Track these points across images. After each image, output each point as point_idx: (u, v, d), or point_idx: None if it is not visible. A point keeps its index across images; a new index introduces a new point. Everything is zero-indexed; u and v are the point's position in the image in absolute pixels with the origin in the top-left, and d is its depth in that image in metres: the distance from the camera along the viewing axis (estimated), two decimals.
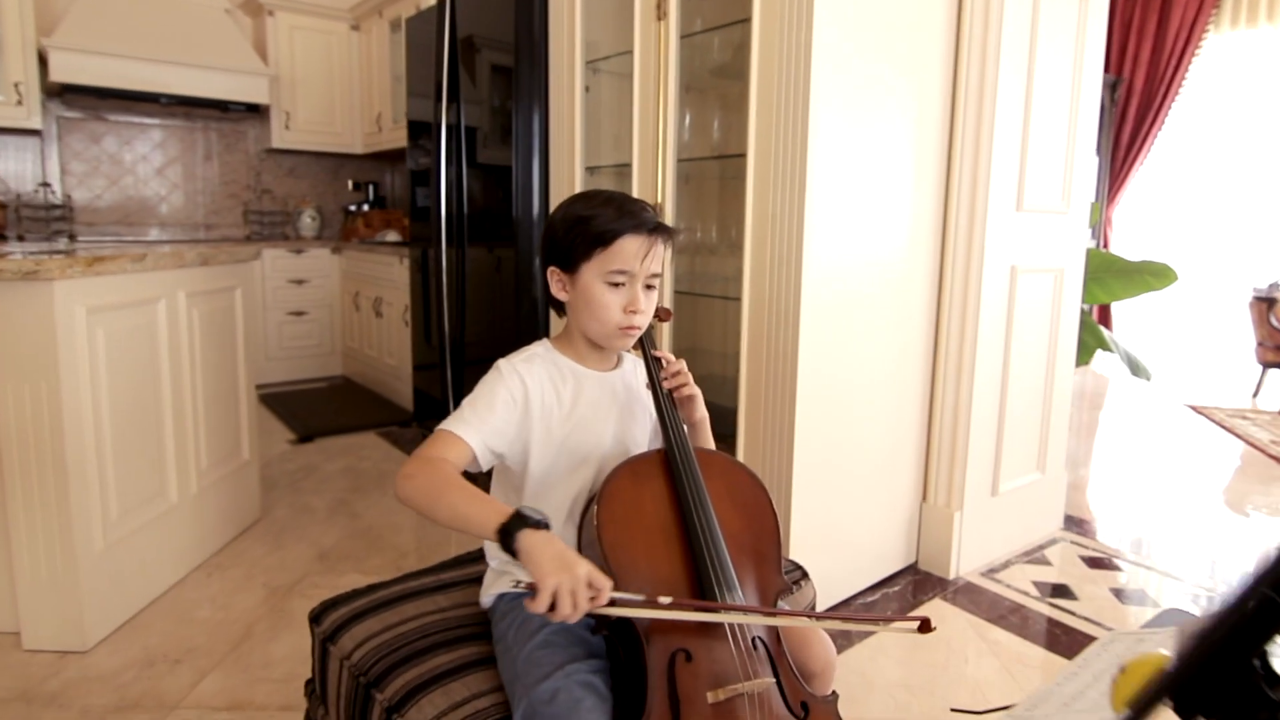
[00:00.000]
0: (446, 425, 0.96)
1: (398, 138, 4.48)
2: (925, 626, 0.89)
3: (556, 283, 1.05)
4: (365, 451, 3.25)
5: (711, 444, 1.18)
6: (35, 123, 3.83)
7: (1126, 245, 5.49)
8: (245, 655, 1.71)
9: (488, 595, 1.07)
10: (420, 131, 3.24)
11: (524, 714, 0.87)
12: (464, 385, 3.08)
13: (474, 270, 2.96)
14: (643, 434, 1.14)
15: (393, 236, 4.56)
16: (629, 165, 2.20)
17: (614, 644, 0.96)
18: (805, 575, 1.23)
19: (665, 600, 0.85)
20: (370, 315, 4.30)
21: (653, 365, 1.07)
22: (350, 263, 4.55)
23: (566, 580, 0.78)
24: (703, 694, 0.87)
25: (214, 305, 2.13)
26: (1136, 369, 2.87)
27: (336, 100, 4.78)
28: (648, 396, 1.15)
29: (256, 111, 4.60)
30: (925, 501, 2.22)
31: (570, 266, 1.02)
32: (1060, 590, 2.13)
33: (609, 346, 1.08)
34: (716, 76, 2.38)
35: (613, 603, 0.82)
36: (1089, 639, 1.88)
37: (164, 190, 4.58)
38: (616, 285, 1.01)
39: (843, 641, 1.76)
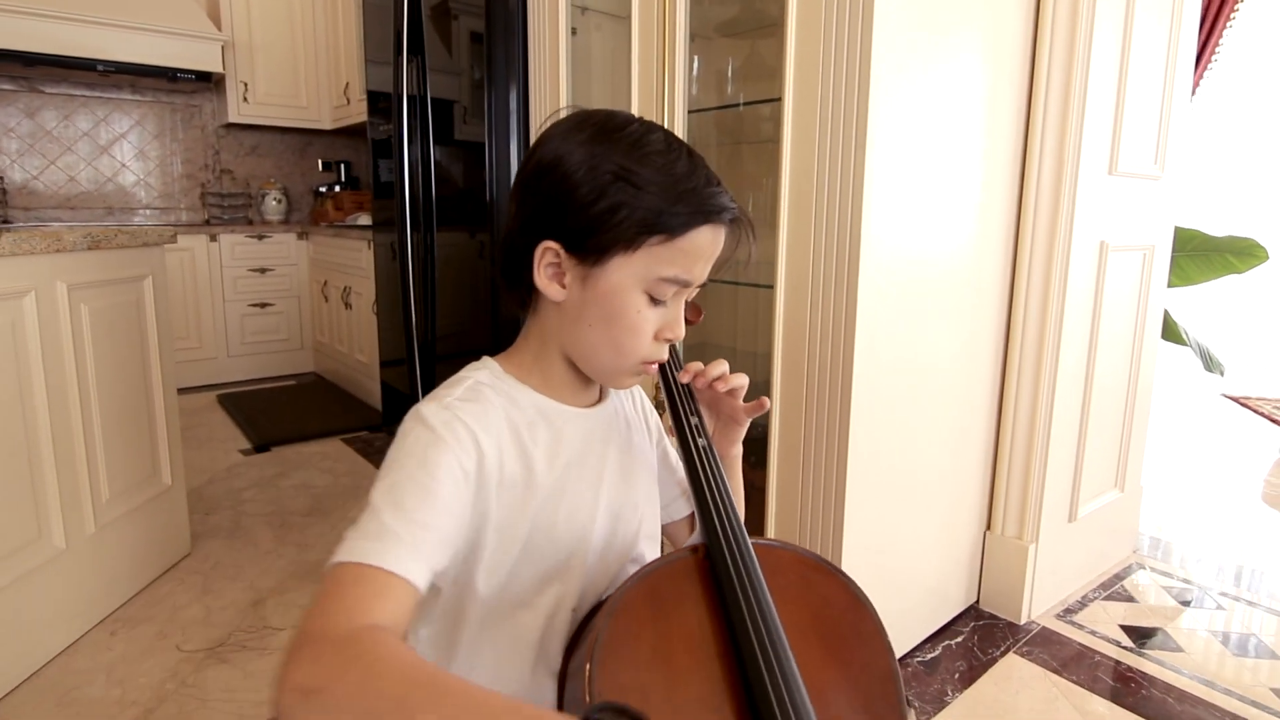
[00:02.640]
0: (357, 553, 0.51)
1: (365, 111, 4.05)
2: None
3: (549, 269, 0.63)
4: (328, 463, 2.84)
5: (740, 491, 0.79)
6: None
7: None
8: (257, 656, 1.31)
9: None
10: (380, 101, 2.82)
11: None
12: (434, 384, 2.68)
13: (444, 256, 2.55)
14: (648, 493, 0.74)
15: (364, 220, 4.12)
16: None
17: None
18: (912, 704, 0.84)
19: None
20: (340, 306, 3.88)
21: (682, 399, 0.67)
22: (319, 249, 4.13)
23: None
24: None
25: (112, 299, 1.71)
26: (1210, 364, 2.48)
27: (301, 70, 4.33)
28: (651, 430, 0.75)
29: (209, 81, 4.15)
30: (990, 530, 1.83)
31: (591, 251, 0.61)
32: (1153, 636, 1.75)
33: (607, 383, 0.68)
34: (726, 28, 1.97)
35: None
36: (1211, 707, 1.50)
37: (110, 171, 4.14)
38: (657, 302, 0.61)
39: (912, 705, 1.37)
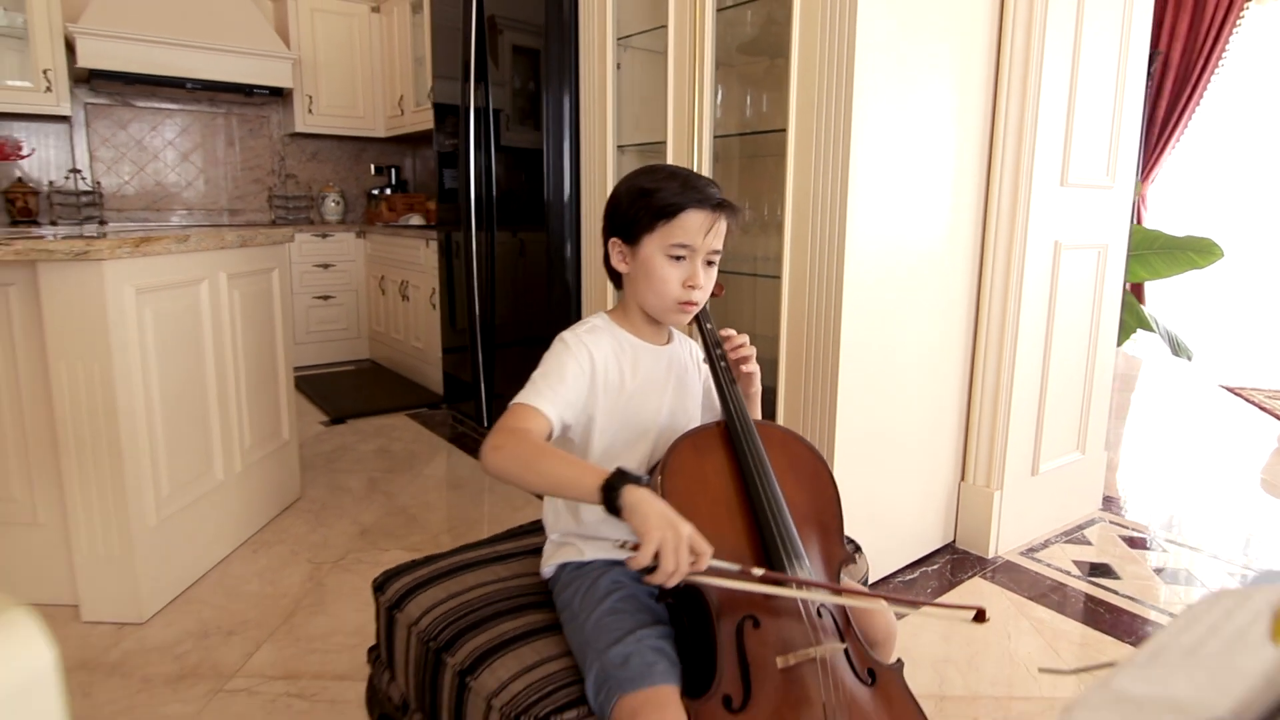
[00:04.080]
0: (523, 399, 0.96)
1: (419, 120, 4.49)
2: (980, 617, 0.90)
3: (617, 254, 1.04)
4: (396, 433, 3.28)
5: (758, 413, 1.18)
6: (65, 109, 3.87)
7: (1162, 222, 5.39)
8: (296, 628, 1.74)
9: (549, 566, 1.08)
10: (446, 114, 3.23)
11: (596, 678, 0.87)
12: (494, 369, 3.10)
13: (503, 254, 2.96)
14: (695, 408, 1.14)
15: (416, 220, 4.57)
16: (662, 143, 2.18)
17: (678, 612, 0.97)
18: (859, 549, 1.23)
19: (758, 573, 0.86)
20: (396, 299, 4.32)
21: (711, 341, 1.07)
22: (375, 247, 4.57)
23: (671, 537, 0.79)
24: (772, 659, 0.87)
25: (253, 287, 2.15)
26: (1178, 349, 2.83)
27: (359, 83, 4.78)
28: (700, 372, 1.15)
29: (280, 96, 4.61)
30: (964, 481, 2.21)
31: (632, 238, 1.01)
32: (1101, 569, 2.12)
33: (665, 321, 1.08)
34: (746, 53, 2.35)
35: (709, 570, 0.83)
36: (1133, 617, 1.87)
37: (189, 176, 4.62)
38: (677, 259, 1.00)
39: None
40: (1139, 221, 5.38)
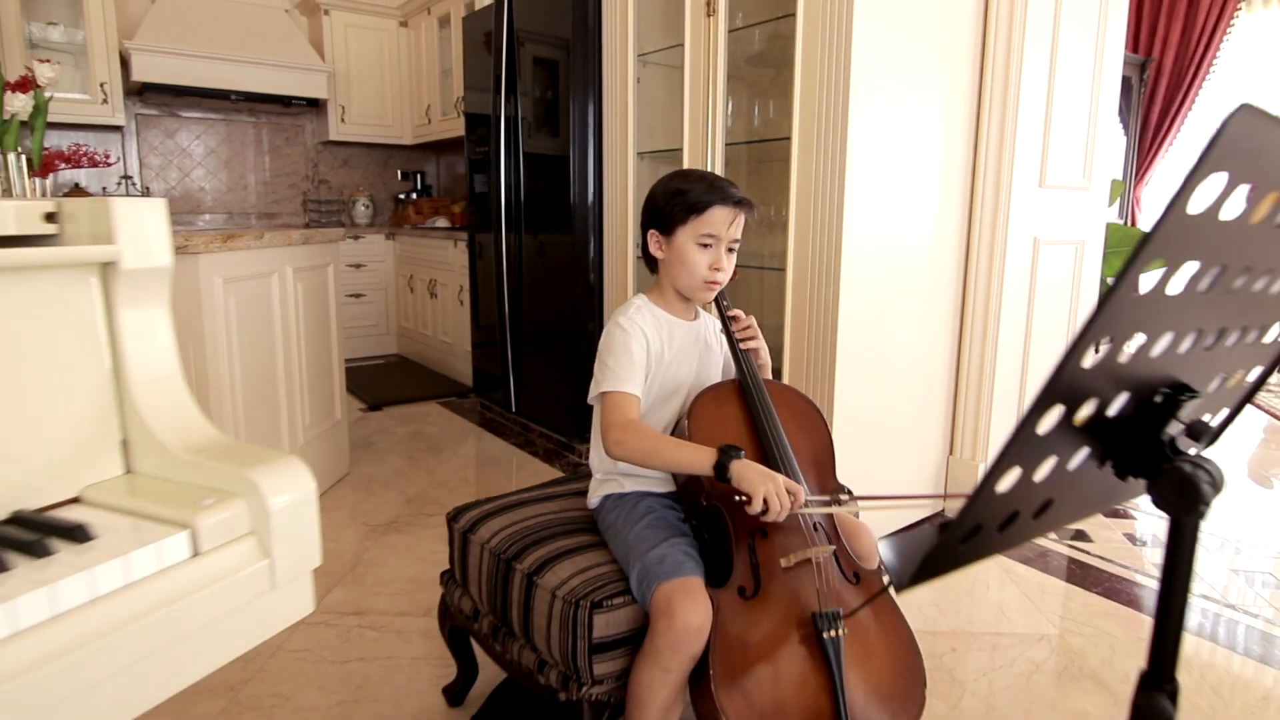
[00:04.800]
0: (613, 386, 1.20)
1: (445, 129, 4.75)
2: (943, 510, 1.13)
3: (654, 243, 1.28)
4: (430, 419, 3.53)
5: (768, 375, 1.41)
6: (119, 119, 4.15)
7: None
8: (361, 576, 1.99)
9: (595, 497, 1.32)
10: (477, 123, 3.48)
11: (639, 574, 1.11)
12: (522, 361, 3.34)
13: (530, 254, 3.21)
14: (717, 372, 1.38)
15: (442, 222, 4.83)
16: (679, 150, 2.42)
17: (700, 530, 1.21)
18: (850, 491, 1.46)
19: (845, 497, 1.12)
20: (425, 297, 4.58)
21: (727, 318, 1.31)
22: (404, 248, 4.83)
23: (773, 487, 1.04)
24: (777, 560, 1.11)
25: (313, 280, 2.41)
26: None
27: (387, 94, 5.05)
28: (721, 343, 1.39)
29: (315, 106, 4.89)
30: (952, 455, 2.43)
31: (667, 230, 1.25)
32: (1078, 534, 2.34)
33: (694, 298, 1.32)
34: (754, 65, 2.59)
35: (806, 504, 1.08)
36: (1104, 574, 2.09)
37: (230, 182, 4.89)
38: (705, 246, 1.24)
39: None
40: (1134, 222, 5.58)
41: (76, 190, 4.25)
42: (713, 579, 1.11)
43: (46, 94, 2.27)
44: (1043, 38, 2.21)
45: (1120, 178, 5.37)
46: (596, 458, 1.35)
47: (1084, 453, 0.57)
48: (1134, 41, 5.53)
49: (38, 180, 2.34)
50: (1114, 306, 0.43)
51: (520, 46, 3.10)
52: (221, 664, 0.61)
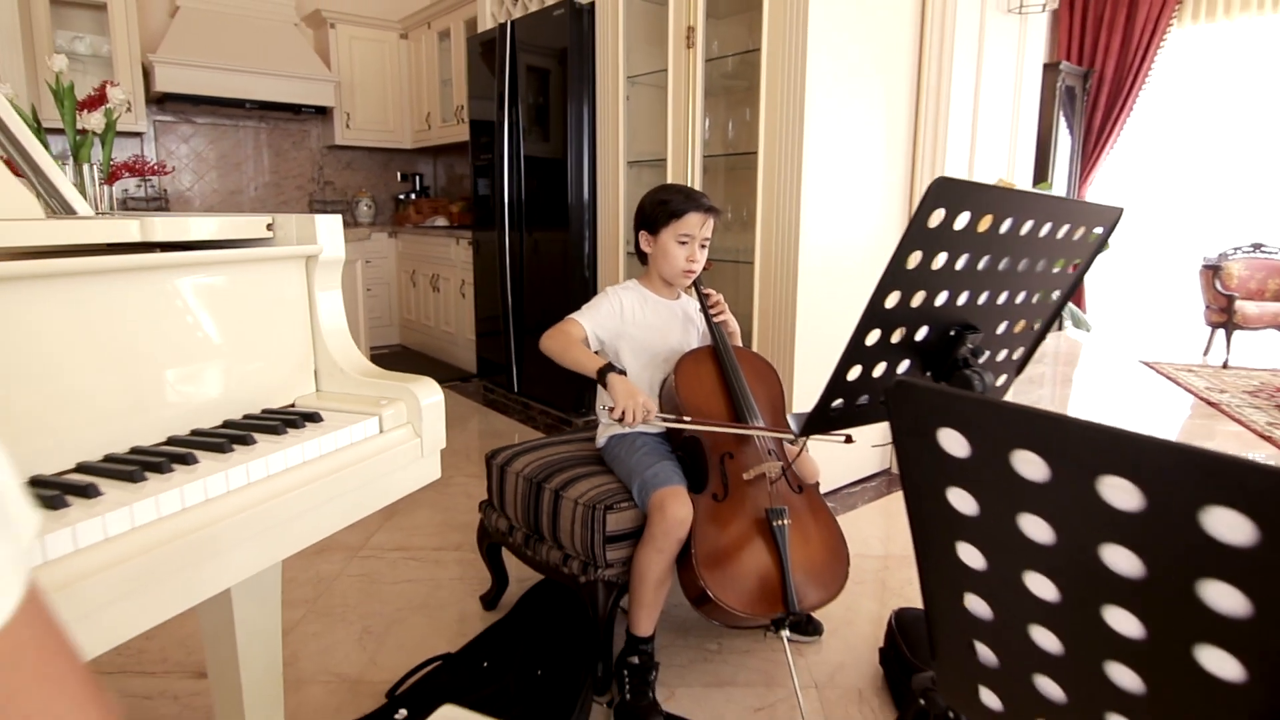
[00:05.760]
0: (575, 316, 1.62)
1: (445, 135, 5.11)
2: (849, 439, 1.53)
3: (644, 241, 1.68)
4: None
5: (739, 343, 1.82)
6: (142, 126, 4.47)
7: None
8: (398, 522, 2.37)
9: (603, 438, 1.71)
10: (481, 130, 3.85)
11: (639, 486, 1.51)
12: (525, 349, 3.71)
13: (530, 251, 3.59)
14: (695, 341, 1.78)
15: (441, 222, 5.19)
16: (663, 160, 2.82)
17: (683, 457, 1.61)
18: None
19: (688, 419, 1.51)
20: (427, 290, 4.94)
21: (703, 298, 1.71)
22: (407, 245, 5.19)
23: (631, 404, 1.45)
24: (740, 474, 1.51)
25: (348, 271, 2.77)
26: (1079, 322, 3.48)
27: (389, 101, 5.40)
28: (699, 319, 1.79)
29: (322, 113, 5.22)
30: None
31: (654, 230, 1.65)
32: None
33: (675, 283, 1.72)
34: (729, 88, 2.99)
35: (661, 420, 1.48)
36: None
37: (241, 183, 5.22)
38: (683, 243, 1.64)
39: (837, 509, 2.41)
40: None
41: None
42: (693, 487, 1.51)
43: (115, 113, 2.62)
44: (968, 63, 2.63)
45: (1065, 178, 5.83)
46: (602, 408, 1.74)
47: (907, 363, 0.98)
48: (1078, 54, 6.00)
49: (105, 188, 2.68)
50: (890, 274, 0.83)
51: (521, 65, 3.48)
52: (393, 500, 0.99)
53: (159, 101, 4.70)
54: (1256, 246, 5.15)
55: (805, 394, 2.47)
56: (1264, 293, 5.01)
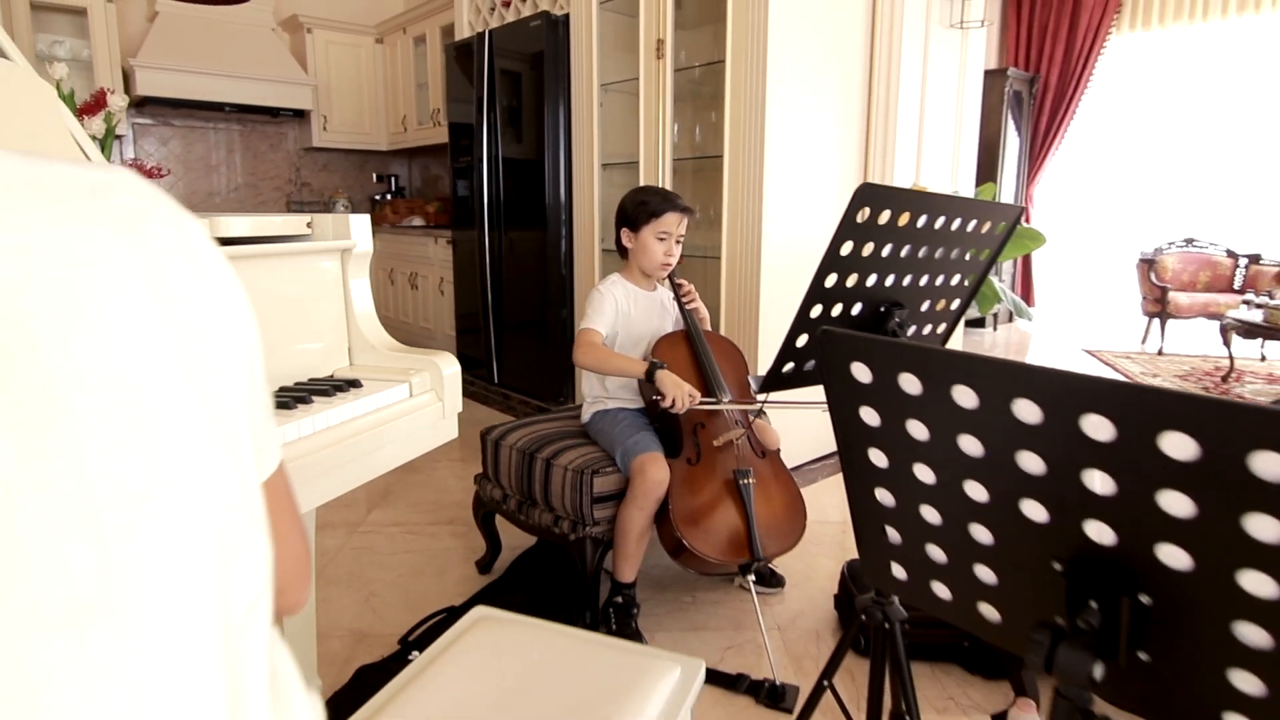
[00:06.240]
0: (588, 324, 1.80)
1: (420, 137, 5.25)
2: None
3: (625, 238, 1.88)
4: None
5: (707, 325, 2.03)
6: (123, 130, 4.54)
7: (1045, 219, 6.42)
8: (393, 501, 2.54)
9: (587, 414, 1.91)
10: (460, 133, 4.01)
11: (621, 453, 1.71)
12: (504, 345, 3.89)
13: (509, 250, 3.76)
14: (670, 326, 1.98)
15: (417, 221, 5.32)
16: (636, 162, 3.02)
17: (659, 428, 1.81)
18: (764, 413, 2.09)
19: (727, 399, 1.72)
20: (406, 288, 5.08)
21: (676, 287, 1.91)
22: (384, 244, 5.31)
23: (679, 392, 1.64)
24: (711, 441, 1.72)
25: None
26: (1020, 312, 3.76)
27: (365, 104, 5.52)
28: (673, 306, 1.99)
29: (299, 116, 5.33)
30: None
31: (634, 228, 1.85)
32: None
33: (653, 275, 1.92)
34: (696, 88, 3.20)
35: (701, 403, 1.68)
36: None
37: (219, 185, 5.30)
38: (661, 239, 1.84)
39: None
40: (1027, 219, 6.40)
41: None
42: (669, 453, 1.72)
43: (115, 118, 2.74)
44: (914, 73, 2.87)
45: (1014, 177, 6.17)
46: (587, 386, 1.94)
47: None
48: (1025, 61, 6.35)
49: None
50: (828, 259, 1.04)
51: (499, 71, 3.65)
52: (424, 452, 1.18)
53: (138, 105, 4.77)
54: (1189, 241, 5.52)
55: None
56: (1195, 284, 5.38)
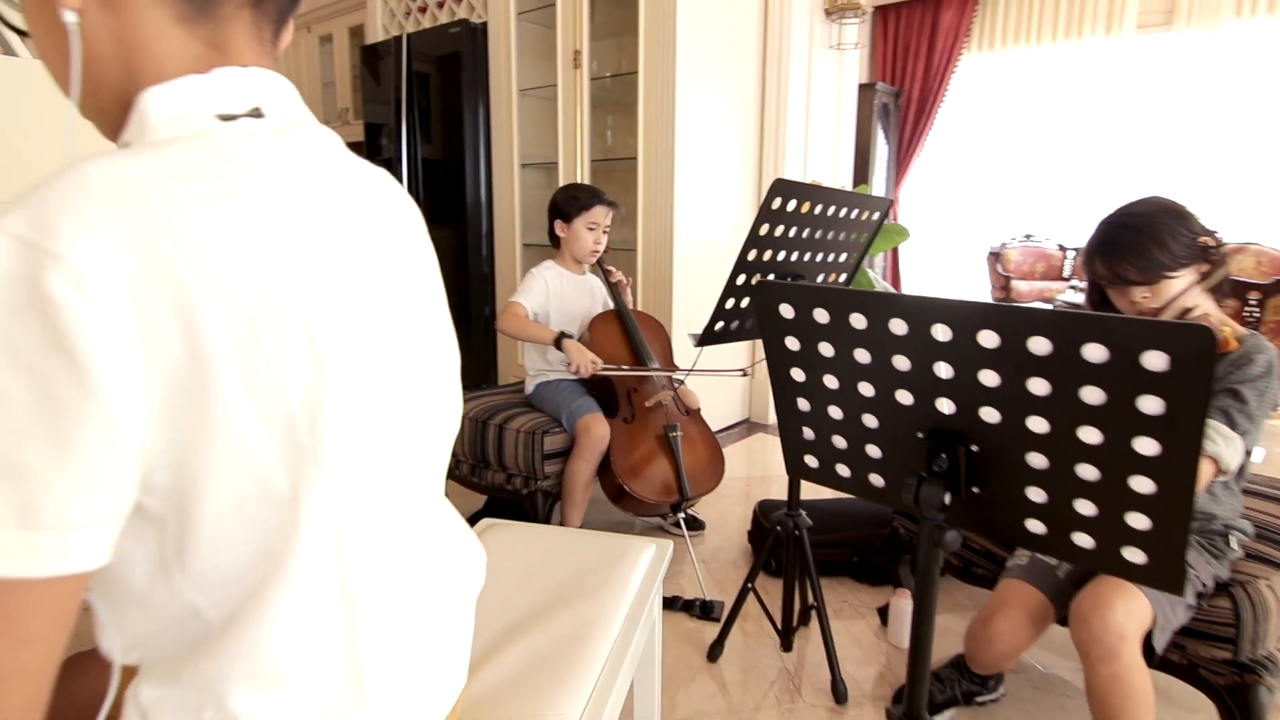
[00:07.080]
0: (515, 298, 2.03)
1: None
2: (746, 372, 2.07)
3: (559, 228, 2.12)
4: None
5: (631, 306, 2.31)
6: None
7: (910, 217, 7.13)
8: None
9: (531, 385, 2.14)
10: (377, 132, 4.10)
11: (567, 415, 1.96)
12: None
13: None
14: (599, 308, 2.25)
15: None
16: (555, 163, 3.25)
17: (599, 394, 2.07)
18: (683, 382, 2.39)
19: (655, 365, 1.99)
20: None
21: (606, 272, 2.17)
22: None
23: (582, 358, 1.90)
24: (643, 402, 2.00)
25: None
26: None
27: (305, 98, 5.42)
28: (601, 290, 2.26)
29: None
30: (752, 378, 3.47)
31: (567, 219, 2.10)
32: None
33: (583, 261, 2.18)
34: (611, 95, 3.47)
35: (604, 369, 1.95)
36: None
37: None
38: (590, 230, 2.10)
39: None
40: (894, 218, 7.10)
41: None
42: (608, 414, 1.98)
43: None
44: (800, 88, 3.27)
45: (884, 180, 6.83)
46: (530, 361, 2.17)
47: None
48: (891, 76, 7.03)
49: None
50: (751, 237, 1.34)
51: (417, 74, 3.78)
52: None
53: None
54: (1028, 236, 6.33)
55: (683, 348, 3.00)
56: (1034, 274, 6.18)
